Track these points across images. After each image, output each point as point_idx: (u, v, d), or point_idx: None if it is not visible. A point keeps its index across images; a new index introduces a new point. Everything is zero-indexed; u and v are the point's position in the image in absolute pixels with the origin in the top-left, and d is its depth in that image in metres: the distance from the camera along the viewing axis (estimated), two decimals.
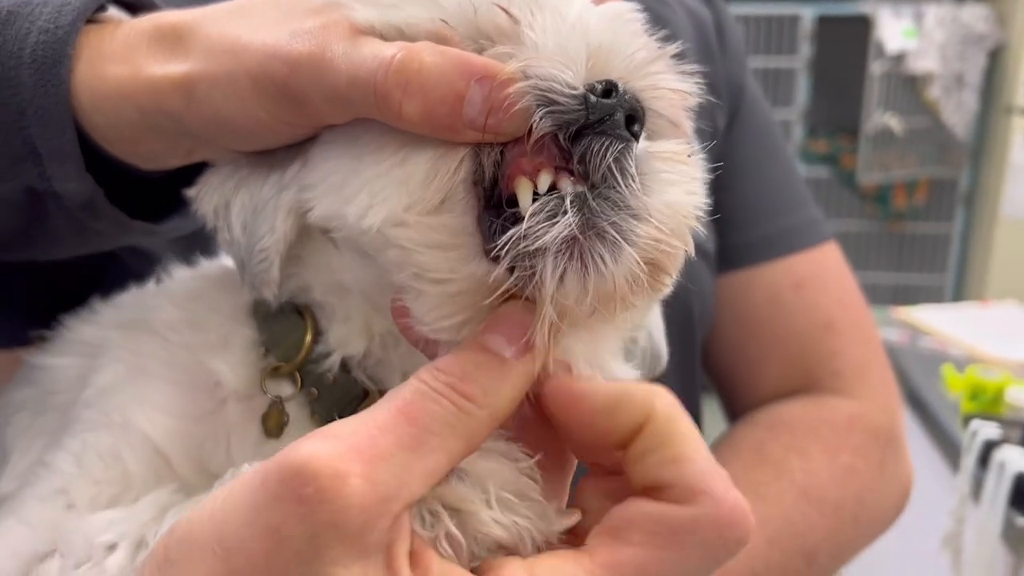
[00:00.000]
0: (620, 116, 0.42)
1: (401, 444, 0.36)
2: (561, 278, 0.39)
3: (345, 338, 0.53)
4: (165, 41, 0.49)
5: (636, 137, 0.42)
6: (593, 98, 0.41)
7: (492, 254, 0.41)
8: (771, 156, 0.97)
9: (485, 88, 0.41)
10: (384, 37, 0.45)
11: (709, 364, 0.94)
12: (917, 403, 2.19)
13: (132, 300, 0.61)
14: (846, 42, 4.12)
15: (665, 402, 0.40)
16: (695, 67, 0.48)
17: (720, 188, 0.91)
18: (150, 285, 0.63)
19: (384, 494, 0.35)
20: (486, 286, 0.41)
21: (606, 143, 0.41)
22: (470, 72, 0.41)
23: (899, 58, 3.99)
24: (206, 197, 0.53)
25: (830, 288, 0.92)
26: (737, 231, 0.92)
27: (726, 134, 0.93)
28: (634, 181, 0.41)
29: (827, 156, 4.40)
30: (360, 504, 0.34)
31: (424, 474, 0.37)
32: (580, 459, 0.44)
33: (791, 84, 4.21)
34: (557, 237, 0.39)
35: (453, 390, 0.38)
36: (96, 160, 0.51)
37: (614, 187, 0.41)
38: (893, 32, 4.00)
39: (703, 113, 0.93)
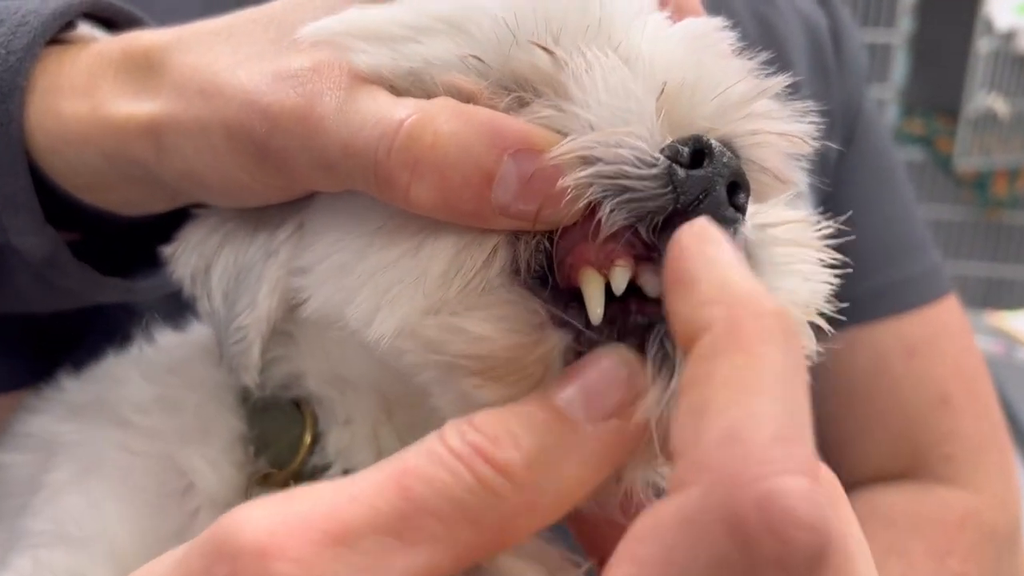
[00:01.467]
0: (721, 189, 0.33)
1: (377, 524, 0.27)
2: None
3: (347, 446, 0.43)
4: (135, 71, 0.41)
5: (742, 210, 0.34)
6: (681, 172, 0.32)
7: (563, 321, 0.33)
8: (886, 191, 0.86)
9: (524, 165, 0.33)
10: (395, 87, 0.37)
11: None
12: (1014, 423, 2.04)
13: (102, 372, 0.51)
14: (950, 16, 3.89)
15: (731, 319, 0.25)
16: (809, 100, 0.40)
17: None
18: (132, 349, 0.53)
19: None
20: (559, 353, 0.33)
21: None
22: (502, 143, 0.33)
23: (1009, 36, 3.75)
24: (184, 257, 0.44)
25: (947, 355, 0.80)
26: (842, 282, 0.80)
27: (837, 165, 0.81)
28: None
29: (922, 138, 4.19)
30: None
31: (407, 573, 0.27)
32: None
33: (887, 60, 3.98)
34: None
35: (479, 455, 0.28)
36: (66, 206, 0.44)
37: None
38: (1004, 7, 3.76)
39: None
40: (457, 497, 0.27)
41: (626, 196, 0.32)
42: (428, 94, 0.36)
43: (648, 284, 0.33)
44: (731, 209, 0.33)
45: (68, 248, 0.45)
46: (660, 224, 0.32)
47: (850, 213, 0.70)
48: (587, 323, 0.32)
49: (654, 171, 0.32)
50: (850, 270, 0.81)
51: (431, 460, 0.28)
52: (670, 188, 0.32)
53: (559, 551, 0.35)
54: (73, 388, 0.52)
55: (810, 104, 0.39)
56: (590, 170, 0.32)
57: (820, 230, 0.38)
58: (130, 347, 0.53)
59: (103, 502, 0.44)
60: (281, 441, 0.44)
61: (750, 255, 0.34)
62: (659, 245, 0.32)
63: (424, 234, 0.34)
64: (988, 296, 3.77)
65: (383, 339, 0.34)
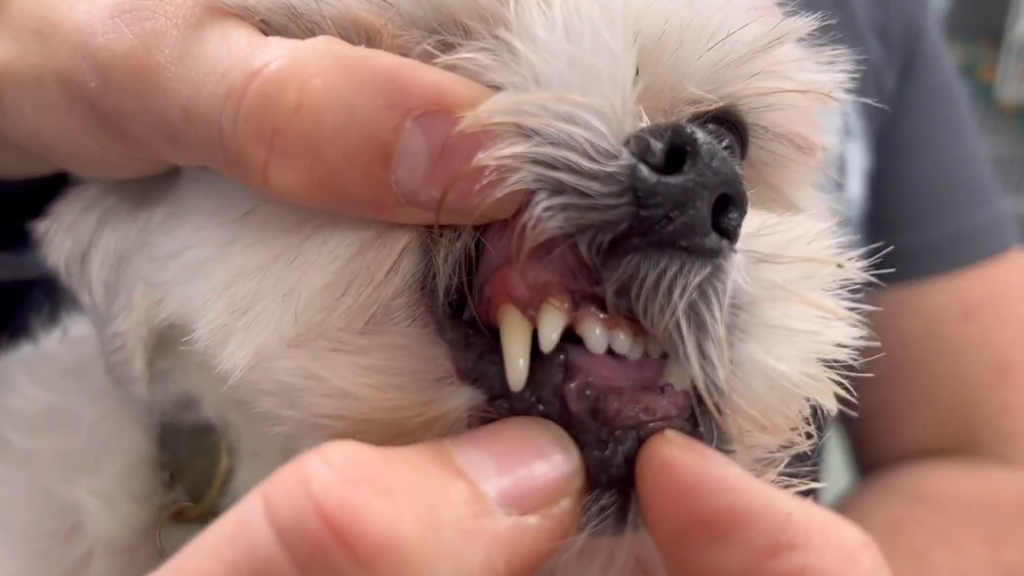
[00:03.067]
0: (703, 206, 0.24)
1: None
2: None
3: (257, 482, 0.35)
4: None
5: (732, 236, 0.25)
6: (648, 176, 0.23)
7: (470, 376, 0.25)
8: (949, 130, 0.77)
9: (436, 132, 0.24)
10: (267, 23, 0.28)
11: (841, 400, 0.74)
12: None
13: None
14: None
15: (833, 559, 0.21)
16: (843, 49, 0.32)
17: (880, 174, 0.71)
18: (25, 346, 0.44)
19: None
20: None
21: (674, 269, 0.24)
22: (404, 101, 0.24)
23: None
24: (56, 240, 0.35)
25: (1009, 318, 0.72)
26: (895, 231, 0.71)
27: (896, 97, 0.72)
28: (721, 347, 0.24)
29: (964, 66, 4.03)
30: None
31: None
32: None
33: None
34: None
35: (334, 540, 0.19)
36: None
37: (682, 351, 0.24)
38: None
39: (866, 73, 0.70)
40: None
41: (565, 197, 0.23)
42: (312, 33, 0.27)
43: (590, 337, 0.24)
44: (714, 236, 0.24)
45: None
46: (606, 244, 0.23)
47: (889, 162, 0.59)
48: (505, 384, 0.24)
49: (610, 168, 0.23)
50: (899, 221, 0.73)
51: (227, 565, 0.19)
52: (629, 197, 0.23)
53: None
54: None
55: (845, 57, 0.31)
56: (521, 146, 0.23)
57: (840, 255, 0.29)
58: (26, 341, 0.44)
59: None
60: (194, 468, 0.36)
61: (740, 310, 0.25)
62: (602, 274, 0.24)
63: (310, 227, 0.26)
64: None
65: (234, 371, 0.26)
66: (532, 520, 0.22)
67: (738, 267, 0.25)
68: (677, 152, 0.24)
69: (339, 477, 0.19)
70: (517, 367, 0.24)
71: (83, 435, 0.37)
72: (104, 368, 0.34)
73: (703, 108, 0.28)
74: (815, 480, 0.28)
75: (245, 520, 0.19)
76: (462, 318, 0.26)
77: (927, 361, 0.72)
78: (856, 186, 0.70)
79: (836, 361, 0.28)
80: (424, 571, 0.19)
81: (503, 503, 0.22)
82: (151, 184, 0.33)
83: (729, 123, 0.31)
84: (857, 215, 0.70)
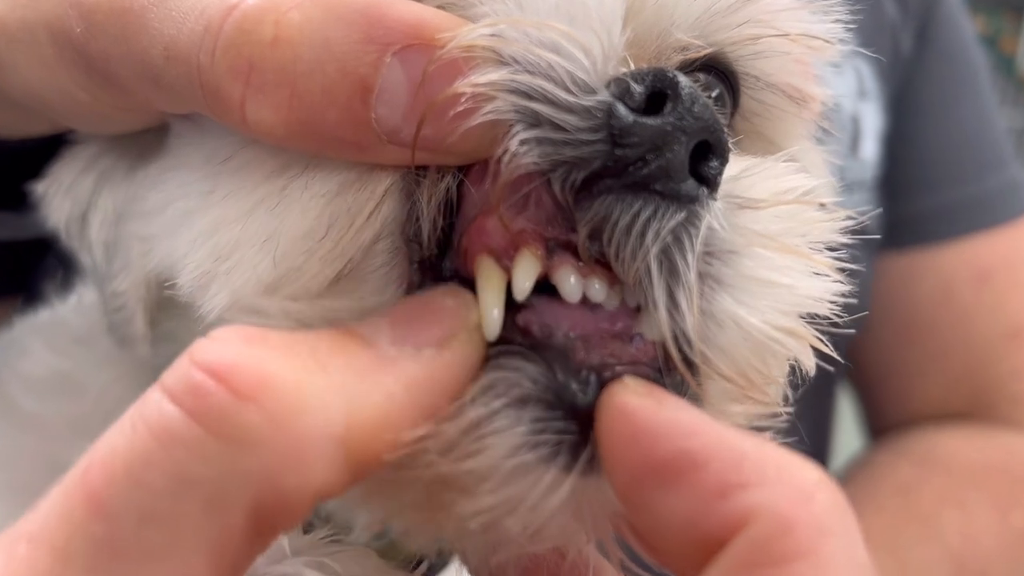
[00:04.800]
0: (681, 150, 0.23)
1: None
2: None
3: None
4: None
5: (712, 184, 0.24)
6: (625, 115, 0.23)
7: None
8: (966, 94, 0.76)
9: (416, 67, 0.23)
10: None
11: (855, 364, 0.74)
12: None
13: (9, 337, 0.43)
14: None
15: (776, 511, 0.20)
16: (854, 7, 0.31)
17: (895, 137, 0.71)
18: (43, 310, 0.44)
19: None
20: None
21: (647, 212, 0.23)
22: (384, 35, 0.23)
23: None
24: (55, 201, 0.35)
25: (1023, 284, 0.71)
26: (908, 196, 0.71)
27: (912, 59, 0.71)
28: (692, 295, 0.24)
29: (985, 37, 3.97)
30: None
31: None
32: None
33: None
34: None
35: (210, 383, 0.20)
36: None
37: (650, 298, 0.23)
38: None
39: (881, 34, 0.69)
40: (178, 473, 0.19)
41: (540, 131, 0.23)
42: None
43: (565, 286, 0.24)
44: (691, 182, 0.23)
45: None
46: (579, 183, 0.23)
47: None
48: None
49: (588, 102, 0.23)
50: (914, 185, 0.72)
51: (129, 436, 0.20)
52: (604, 135, 0.23)
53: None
54: None
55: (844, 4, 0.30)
56: (498, 73, 0.23)
57: (828, 210, 0.28)
58: (42, 307, 0.44)
59: None
60: None
61: (715, 259, 0.25)
62: (574, 213, 0.23)
63: (291, 173, 0.26)
64: None
65: (211, 314, 0.26)
66: (427, 351, 0.22)
67: (715, 214, 0.24)
68: (658, 96, 0.23)
69: (219, 342, 0.20)
70: (492, 317, 0.23)
71: (91, 401, 0.37)
72: (106, 329, 0.35)
73: (691, 55, 0.28)
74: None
75: (142, 401, 0.20)
76: (441, 270, 0.26)
77: (939, 325, 0.71)
78: (871, 148, 0.69)
79: (817, 316, 0.27)
80: (314, 399, 0.20)
81: (395, 343, 0.22)
82: (148, 142, 0.33)
83: (719, 72, 0.30)
84: (871, 177, 0.70)
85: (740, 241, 0.25)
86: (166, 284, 0.29)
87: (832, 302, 0.26)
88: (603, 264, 0.24)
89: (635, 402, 0.22)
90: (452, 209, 0.25)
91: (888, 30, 0.69)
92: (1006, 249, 0.72)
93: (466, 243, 0.25)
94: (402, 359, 0.22)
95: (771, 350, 0.26)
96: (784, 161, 0.28)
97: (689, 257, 0.23)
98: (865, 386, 0.76)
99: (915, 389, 0.73)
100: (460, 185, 0.25)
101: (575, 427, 0.23)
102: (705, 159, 0.24)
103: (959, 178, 0.73)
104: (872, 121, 0.69)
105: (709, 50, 0.27)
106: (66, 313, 0.43)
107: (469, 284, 0.24)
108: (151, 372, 0.37)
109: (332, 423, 0.20)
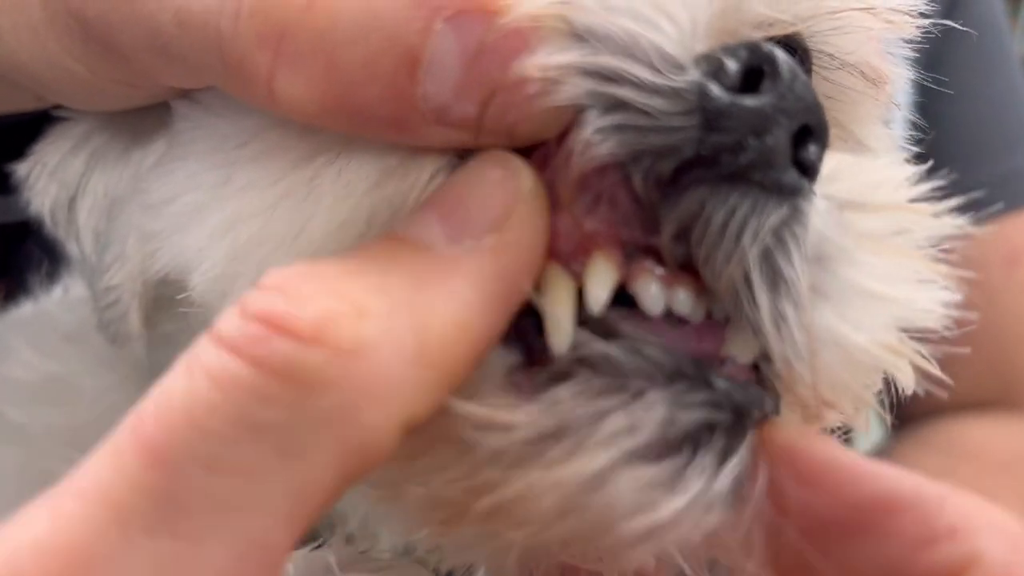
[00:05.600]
0: (782, 134, 0.20)
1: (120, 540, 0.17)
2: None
3: None
4: None
5: (812, 174, 0.22)
6: (720, 95, 0.20)
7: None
8: (993, 68, 0.73)
9: (471, 37, 0.20)
10: None
11: None
12: None
13: None
14: None
15: (1001, 545, 0.20)
16: None
17: (922, 115, 0.68)
18: (25, 305, 0.41)
19: None
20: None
21: (745, 208, 0.20)
22: (434, 2, 0.20)
23: None
24: (40, 184, 0.32)
25: None
26: (935, 176, 0.68)
27: (939, 38, 0.68)
28: (803, 305, 0.21)
29: None
30: None
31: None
32: None
33: None
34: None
35: (270, 327, 0.18)
36: None
37: (750, 310, 0.21)
38: None
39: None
40: (245, 419, 0.18)
41: (621, 116, 0.20)
42: None
43: (645, 297, 0.21)
44: (793, 172, 0.21)
45: None
46: (667, 175, 0.20)
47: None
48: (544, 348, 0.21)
49: (677, 83, 0.20)
50: (941, 164, 0.70)
51: (186, 383, 0.18)
52: (696, 119, 0.20)
53: None
54: None
55: None
56: (571, 55, 0.20)
57: (934, 202, 0.26)
58: (24, 299, 0.42)
59: None
60: None
61: (814, 265, 0.22)
62: (657, 210, 0.21)
63: (321, 160, 0.23)
64: None
65: None
66: (488, 239, 0.20)
67: (820, 211, 0.21)
68: (754, 73, 0.20)
69: (269, 290, 0.19)
70: (563, 332, 0.21)
71: (84, 409, 0.35)
72: (96, 325, 0.32)
73: (771, 33, 0.25)
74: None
75: (194, 351, 0.19)
76: None
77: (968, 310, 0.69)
78: (898, 127, 0.67)
79: (924, 330, 0.24)
80: (376, 327, 0.19)
81: (451, 240, 0.20)
82: (145, 120, 0.30)
83: (789, 49, 0.28)
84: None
85: (844, 244, 0.22)
86: (172, 284, 0.27)
87: (941, 313, 0.24)
88: (687, 270, 0.21)
89: (804, 442, 0.20)
90: None
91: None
92: None
93: None
94: (464, 257, 0.20)
95: (870, 370, 0.23)
96: (869, 155, 0.26)
97: (796, 260, 0.21)
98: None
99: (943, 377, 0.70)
100: None
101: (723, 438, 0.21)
102: (805, 145, 0.21)
103: (986, 157, 0.71)
104: (900, 98, 0.67)
105: (797, 26, 0.24)
106: (52, 308, 0.40)
107: None
108: (150, 376, 0.34)
109: (403, 347, 0.19)
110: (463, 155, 0.22)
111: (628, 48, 0.20)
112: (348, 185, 0.23)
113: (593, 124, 0.20)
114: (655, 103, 0.20)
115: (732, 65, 0.20)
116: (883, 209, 0.24)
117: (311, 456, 0.18)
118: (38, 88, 0.30)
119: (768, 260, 0.21)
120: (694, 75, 0.20)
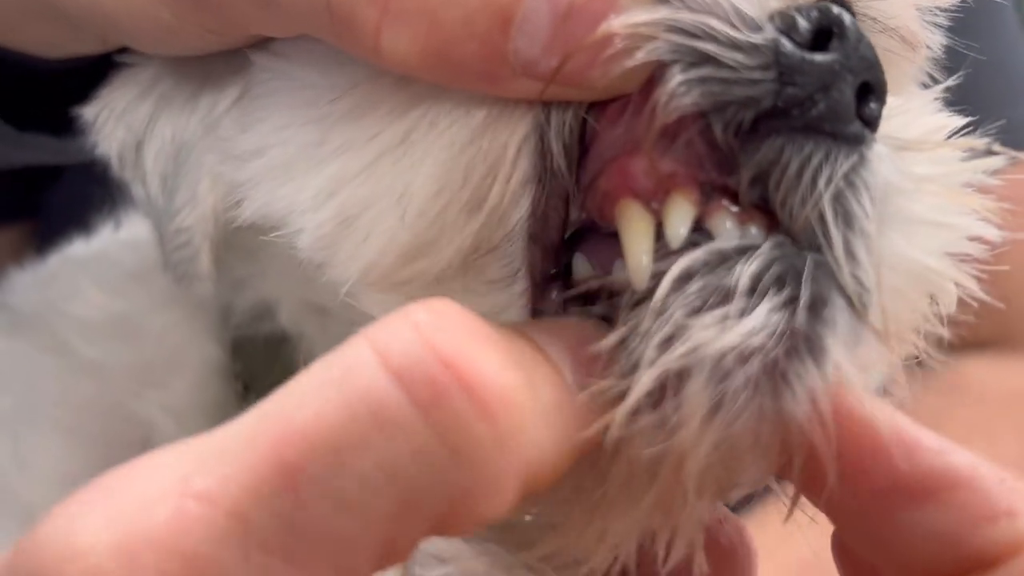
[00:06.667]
0: (847, 90, 0.23)
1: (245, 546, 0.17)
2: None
3: None
4: None
5: (873, 126, 0.24)
6: (793, 51, 0.22)
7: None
8: (985, 29, 0.73)
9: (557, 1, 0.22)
10: None
11: None
12: None
13: (50, 273, 0.41)
14: None
15: None
16: None
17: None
18: (91, 243, 0.42)
19: None
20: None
21: (819, 156, 0.22)
22: None
23: None
24: (108, 128, 0.33)
25: None
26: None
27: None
28: (871, 242, 0.23)
29: None
30: None
31: None
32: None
33: None
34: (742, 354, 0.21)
35: (450, 374, 0.18)
36: None
37: (826, 246, 0.22)
38: None
39: None
40: (391, 467, 0.18)
41: (705, 69, 0.22)
42: None
43: (719, 231, 0.23)
44: (858, 122, 0.23)
45: None
46: (747, 124, 0.22)
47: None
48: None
49: (756, 39, 0.22)
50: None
51: (342, 411, 0.18)
52: (773, 73, 0.22)
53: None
54: (20, 290, 0.41)
55: None
56: (658, 14, 0.22)
57: (977, 151, 0.27)
58: (88, 238, 0.42)
59: (34, 454, 0.35)
60: (270, 378, 0.34)
61: (885, 199, 0.24)
62: (737, 156, 0.22)
63: (413, 115, 0.24)
64: None
65: (342, 284, 0.25)
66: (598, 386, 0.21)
67: (882, 157, 0.23)
68: (824, 33, 0.22)
69: (446, 331, 0.19)
70: (641, 265, 0.22)
71: (151, 346, 0.36)
72: (164, 266, 0.33)
73: None
74: None
75: (352, 364, 0.18)
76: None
77: None
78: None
79: (967, 255, 0.27)
80: (531, 428, 0.19)
81: (575, 376, 0.21)
82: (213, 66, 0.31)
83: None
84: None
85: (902, 184, 0.24)
86: (251, 229, 0.28)
87: (984, 241, 0.26)
88: (761, 211, 0.23)
89: (869, 411, 0.21)
90: (581, 145, 0.24)
91: None
92: None
93: (604, 186, 0.23)
94: (580, 398, 0.21)
95: (937, 291, 0.26)
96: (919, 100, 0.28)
97: (866, 202, 0.22)
98: None
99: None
100: (586, 117, 0.24)
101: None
102: (866, 100, 0.23)
103: (991, 105, 0.71)
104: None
105: None
106: (112, 247, 0.41)
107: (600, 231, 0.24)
108: (213, 314, 0.36)
109: (536, 456, 0.19)
110: (548, 115, 0.24)
111: (709, 7, 0.22)
112: (443, 140, 0.24)
113: (678, 77, 0.22)
114: (736, 57, 0.22)
115: (804, 24, 0.22)
116: (929, 148, 0.26)
117: (418, 518, 0.18)
118: (112, 31, 0.31)
119: (840, 201, 0.23)
120: (770, 32, 0.22)
